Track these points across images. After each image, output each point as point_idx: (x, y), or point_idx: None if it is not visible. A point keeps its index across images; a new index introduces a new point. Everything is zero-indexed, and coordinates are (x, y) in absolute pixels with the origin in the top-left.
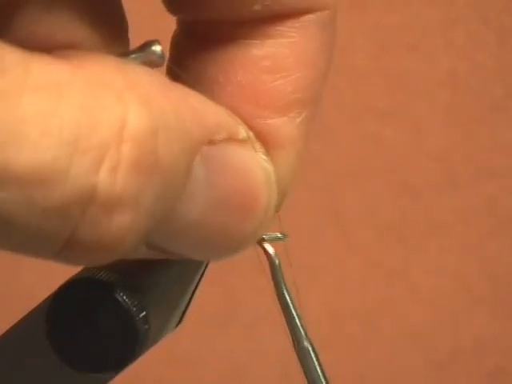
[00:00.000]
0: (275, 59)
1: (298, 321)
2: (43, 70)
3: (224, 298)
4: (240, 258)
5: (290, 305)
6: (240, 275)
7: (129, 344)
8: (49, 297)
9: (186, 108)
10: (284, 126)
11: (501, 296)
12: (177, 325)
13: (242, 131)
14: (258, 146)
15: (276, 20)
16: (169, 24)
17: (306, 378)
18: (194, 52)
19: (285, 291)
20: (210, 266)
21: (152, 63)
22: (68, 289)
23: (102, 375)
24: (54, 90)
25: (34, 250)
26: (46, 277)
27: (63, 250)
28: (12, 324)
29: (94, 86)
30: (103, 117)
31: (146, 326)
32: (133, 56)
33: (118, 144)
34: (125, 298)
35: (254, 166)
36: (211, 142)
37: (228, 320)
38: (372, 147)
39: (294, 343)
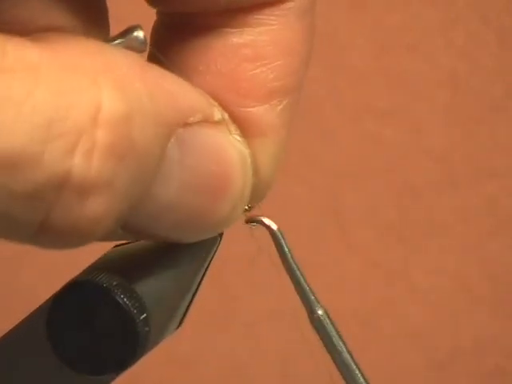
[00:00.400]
0: (255, 47)
1: (308, 290)
2: (19, 52)
3: (220, 296)
4: (234, 254)
5: (299, 275)
6: (234, 272)
7: (129, 346)
8: (49, 299)
9: (161, 91)
10: (266, 113)
11: (501, 296)
12: (177, 327)
13: (217, 113)
14: (233, 128)
15: (255, 8)
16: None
17: (325, 345)
18: (174, 42)
19: (292, 262)
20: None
21: (134, 49)
22: (69, 291)
23: (103, 377)
24: (29, 73)
25: (7, 233)
26: (47, 277)
27: (37, 233)
28: (12, 324)
29: (69, 70)
30: (77, 100)
31: (147, 328)
32: (115, 42)
33: (93, 128)
34: (125, 300)
35: (229, 148)
36: (186, 125)
37: (226, 319)
38: (372, 147)
39: (308, 314)
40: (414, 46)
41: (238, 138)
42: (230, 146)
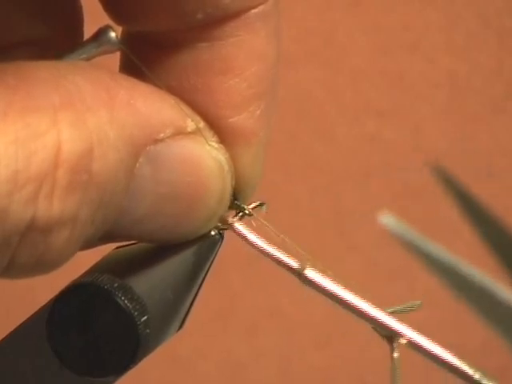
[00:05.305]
0: (226, 59)
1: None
2: None
3: (220, 296)
4: (234, 254)
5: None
6: (234, 272)
7: (130, 348)
8: (50, 300)
9: (127, 113)
10: (245, 121)
11: None
12: (179, 329)
13: (191, 123)
14: (209, 135)
15: (222, 22)
16: None
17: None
18: (143, 58)
19: (260, 243)
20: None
21: (107, 51)
22: (69, 293)
23: (103, 379)
24: None
25: None
26: (46, 279)
27: (5, 270)
28: (11, 326)
29: (28, 113)
30: (39, 146)
31: (148, 331)
32: (87, 47)
33: (54, 170)
34: (126, 302)
35: (204, 157)
36: (157, 141)
37: (226, 318)
38: (372, 147)
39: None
40: (414, 46)
41: (215, 145)
42: (205, 154)
